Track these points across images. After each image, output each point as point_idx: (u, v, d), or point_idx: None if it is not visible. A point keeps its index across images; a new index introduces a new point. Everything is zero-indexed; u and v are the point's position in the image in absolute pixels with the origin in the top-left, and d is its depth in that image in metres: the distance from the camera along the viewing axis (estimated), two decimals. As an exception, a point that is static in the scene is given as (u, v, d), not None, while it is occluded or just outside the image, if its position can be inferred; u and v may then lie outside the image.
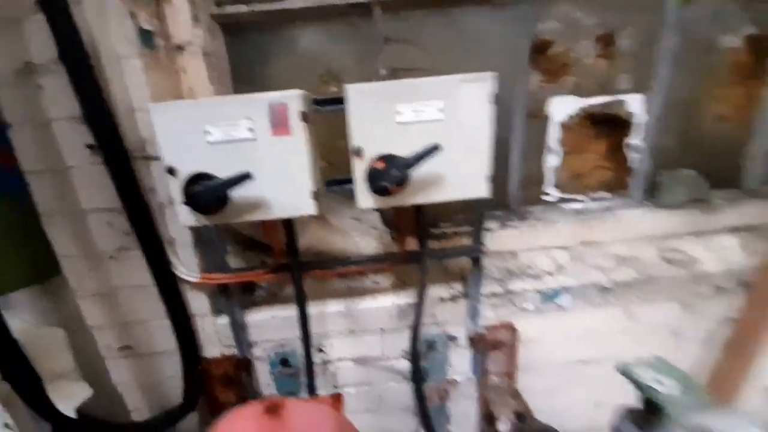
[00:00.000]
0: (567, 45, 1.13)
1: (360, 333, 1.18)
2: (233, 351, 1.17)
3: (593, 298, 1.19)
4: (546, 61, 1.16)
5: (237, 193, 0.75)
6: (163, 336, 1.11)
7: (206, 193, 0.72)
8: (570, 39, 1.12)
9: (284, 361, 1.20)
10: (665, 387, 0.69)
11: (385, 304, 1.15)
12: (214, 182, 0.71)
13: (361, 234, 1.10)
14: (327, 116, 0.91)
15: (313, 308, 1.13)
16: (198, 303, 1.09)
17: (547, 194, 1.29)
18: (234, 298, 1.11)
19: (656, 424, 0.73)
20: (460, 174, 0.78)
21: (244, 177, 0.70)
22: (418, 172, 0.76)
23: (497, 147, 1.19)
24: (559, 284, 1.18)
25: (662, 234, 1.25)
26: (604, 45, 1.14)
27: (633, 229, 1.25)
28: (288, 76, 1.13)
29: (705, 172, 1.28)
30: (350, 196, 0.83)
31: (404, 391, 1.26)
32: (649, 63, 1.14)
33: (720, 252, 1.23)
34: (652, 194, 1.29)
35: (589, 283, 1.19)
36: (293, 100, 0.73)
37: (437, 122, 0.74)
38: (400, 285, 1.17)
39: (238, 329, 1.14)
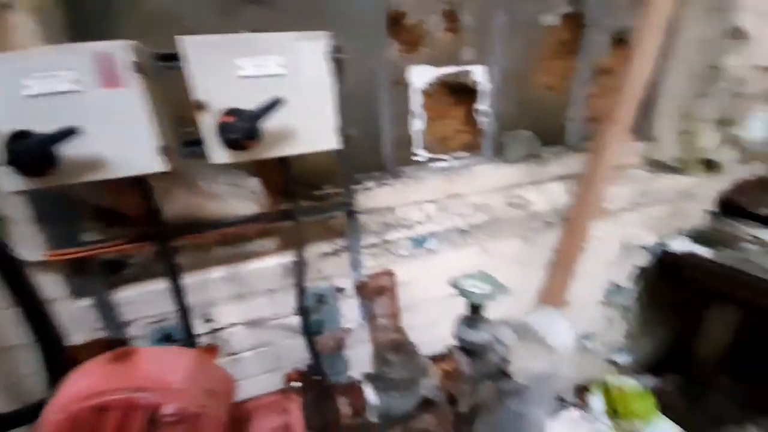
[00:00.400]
0: (419, 18, 1.27)
1: (249, 296, 1.21)
2: (106, 334, 1.10)
3: (455, 240, 1.41)
4: (403, 32, 1.29)
5: (69, 152, 0.71)
6: (12, 328, 0.99)
7: (27, 152, 0.67)
8: (420, 12, 1.26)
9: (168, 337, 1.17)
10: (480, 290, 0.89)
11: (270, 264, 1.19)
12: (34, 138, 0.66)
13: (239, 199, 1.11)
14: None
15: (195, 277, 1.13)
16: (52, 286, 1.00)
17: (416, 155, 1.45)
18: (97, 277, 1.04)
19: (479, 320, 0.93)
20: (310, 127, 0.85)
21: (68, 132, 0.66)
22: (272, 125, 0.81)
23: (369, 112, 1.33)
24: (428, 231, 1.36)
25: (507, 184, 1.52)
26: (450, 20, 1.31)
27: (485, 182, 1.49)
28: (140, 36, 1.06)
29: (538, 132, 1.58)
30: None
31: (302, 346, 1.34)
32: (487, 37, 1.35)
33: (549, 196, 1.54)
34: (499, 152, 1.54)
35: (452, 228, 1.40)
36: (122, 50, 0.71)
37: (280, 77, 0.80)
38: (284, 246, 1.22)
39: (107, 310, 1.08)
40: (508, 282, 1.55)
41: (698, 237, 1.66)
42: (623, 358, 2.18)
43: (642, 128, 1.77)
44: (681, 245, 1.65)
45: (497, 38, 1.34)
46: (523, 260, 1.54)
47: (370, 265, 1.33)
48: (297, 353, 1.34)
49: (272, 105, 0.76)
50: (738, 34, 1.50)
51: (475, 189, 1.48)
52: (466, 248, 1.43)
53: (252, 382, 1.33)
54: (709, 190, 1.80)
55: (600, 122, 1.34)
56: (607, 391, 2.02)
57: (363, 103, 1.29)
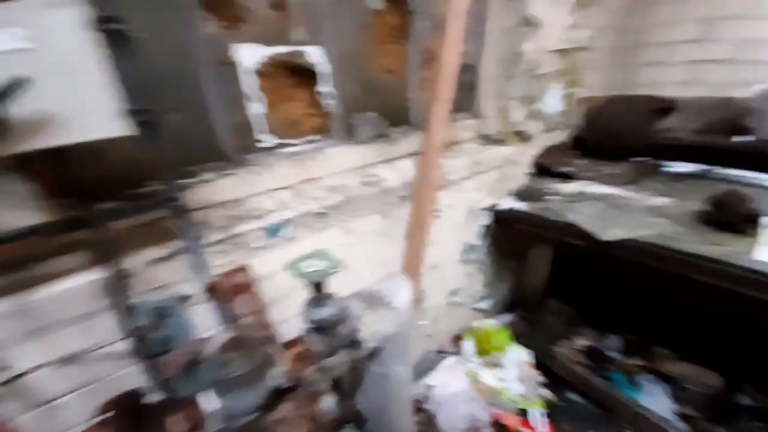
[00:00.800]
0: (235, -9, 1.17)
1: (52, 329, 0.97)
2: None
3: (314, 224, 1.40)
4: (222, 7, 1.17)
5: None
6: None
7: None
8: (236, -15, 1.17)
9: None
10: (317, 267, 0.89)
11: (76, 284, 0.98)
12: None
13: (5, 210, 0.86)
14: None
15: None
16: None
17: (261, 141, 1.38)
18: None
19: (324, 297, 0.94)
20: (78, 112, 0.70)
21: None
22: (22, 112, 0.64)
23: (193, 95, 1.19)
24: (283, 219, 1.32)
25: (361, 164, 1.57)
26: (273, -4, 1.25)
27: (339, 163, 1.52)
28: None
29: (385, 114, 1.67)
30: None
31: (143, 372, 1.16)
32: (315, 18, 1.33)
33: (400, 171, 1.66)
34: (350, 134, 1.58)
35: (310, 213, 1.38)
36: None
37: (24, 53, 0.63)
38: (97, 259, 1.02)
39: None
40: (372, 255, 1.64)
41: (519, 195, 2.03)
42: (485, 304, 2.57)
43: (471, 107, 2.05)
44: (508, 203, 1.99)
45: (326, 19, 1.34)
46: (384, 234, 1.63)
47: (221, 263, 1.22)
48: (139, 382, 1.16)
49: (12, 87, 0.60)
50: (531, 22, 1.83)
51: (329, 171, 1.49)
52: (326, 231, 1.44)
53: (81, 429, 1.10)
54: (525, 156, 2.20)
55: (430, 102, 1.48)
56: (475, 334, 2.36)
57: (183, 85, 1.15)
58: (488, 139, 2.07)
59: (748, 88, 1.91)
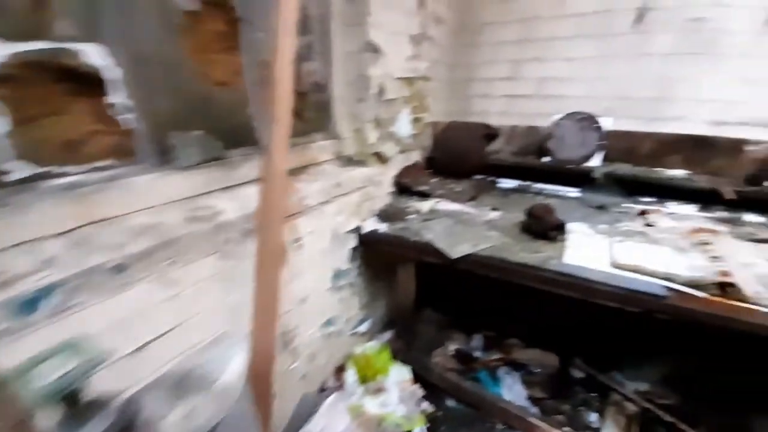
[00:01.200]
0: None
1: None
2: None
3: (107, 283, 1.02)
4: None
5: None
6: None
7: None
8: None
9: None
10: (69, 367, 0.59)
11: None
12: None
13: None
14: None
15: None
16: None
17: (7, 172, 0.95)
18: None
19: (85, 410, 0.63)
20: None
21: None
22: None
23: None
24: (47, 282, 0.91)
25: (185, 195, 1.27)
26: (5, -33, 0.88)
27: (152, 196, 1.18)
28: None
29: (221, 133, 1.41)
30: None
31: None
32: (90, 9, 1.01)
33: (243, 201, 1.41)
34: (167, 157, 1.26)
35: (99, 268, 1.00)
36: None
37: None
38: None
39: None
40: (211, 307, 1.33)
41: (382, 215, 2.02)
42: (364, 327, 2.48)
43: (328, 127, 1.97)
44: (371, 224, 1.96)
45: (107, 13, 1.03)
46: (227, 277, 1.35)
47: None
48: None
49: None
50: (373, 49, 1.86)
51: (135, 207, 1.14)
52: (130, 289, 1.07)
53: None
54: (386, 176, 2.24)
55: (269, 123, 1.31)
56: (356, 362, 2.23)
57: None
58: (348, 161, 2.02)
59: (548, 118, 2.38)
